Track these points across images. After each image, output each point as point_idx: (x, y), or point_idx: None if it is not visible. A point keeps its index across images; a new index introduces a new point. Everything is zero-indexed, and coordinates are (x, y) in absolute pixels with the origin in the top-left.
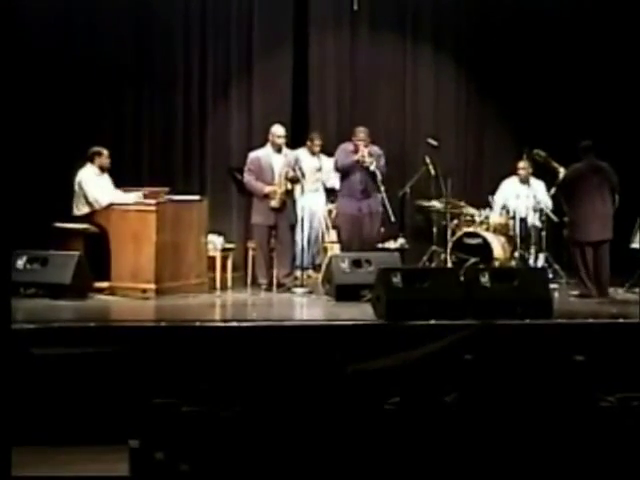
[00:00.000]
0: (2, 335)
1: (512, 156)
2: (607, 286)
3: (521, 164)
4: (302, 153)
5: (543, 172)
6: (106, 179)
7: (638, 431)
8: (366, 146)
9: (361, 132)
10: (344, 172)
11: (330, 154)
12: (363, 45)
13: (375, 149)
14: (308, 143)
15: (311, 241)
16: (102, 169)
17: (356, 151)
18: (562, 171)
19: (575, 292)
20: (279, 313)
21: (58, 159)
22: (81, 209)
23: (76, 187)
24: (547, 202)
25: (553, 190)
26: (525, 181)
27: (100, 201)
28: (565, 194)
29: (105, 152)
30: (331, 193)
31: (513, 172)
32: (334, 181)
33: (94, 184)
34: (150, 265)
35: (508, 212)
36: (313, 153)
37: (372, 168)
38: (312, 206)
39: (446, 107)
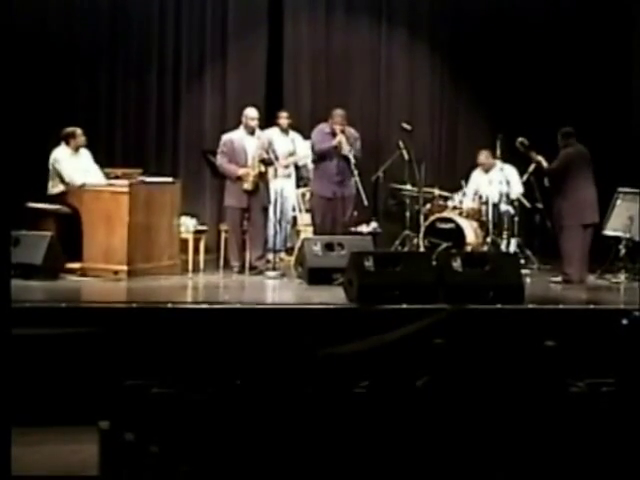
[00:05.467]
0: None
1: (486, 141)
2: (587, 270)
3: (481, 157)
4: (274, 133)
5: (517, 158)
6: (83, 157)
7: (607, 417)
8: (342, 130)
9: (338, 115)
10: (320, 156)
11: (305, 136)
12: (338, 28)
13: (352, 131)
14: (277, 121)
15: (283, 224)
16: (77, 149)
17: (333, 135)
18: (543, 161)
19: (557, 278)
20: (251, 296)
21: (31, 139)
22: (57, 186)
23: (50, 166)
24: (519, 188)
25: (525, 177)
26: (488, 171)
27: (74, 181)
28: (558, 180)
29: (79, 131)
30: (302, 177)
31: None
32: (308, 161)
33: (68, 164)
34: (122, 246)
35: (481, 197)
36: (284, 130)
37: (350, 156)
38: (285, 190)
39: (421, 91)
